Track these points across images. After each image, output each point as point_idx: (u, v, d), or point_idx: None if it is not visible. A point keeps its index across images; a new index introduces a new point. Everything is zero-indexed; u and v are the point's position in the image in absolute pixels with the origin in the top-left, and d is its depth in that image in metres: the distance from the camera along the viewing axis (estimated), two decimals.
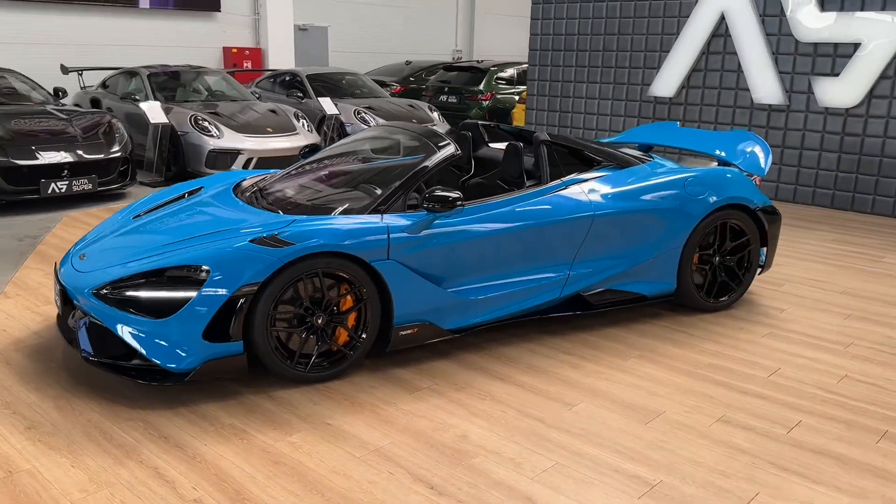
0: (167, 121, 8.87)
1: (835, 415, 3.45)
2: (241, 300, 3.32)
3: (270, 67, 13.42)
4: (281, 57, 15.38)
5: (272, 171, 4.90)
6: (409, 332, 3.78)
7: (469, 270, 3.95)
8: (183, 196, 4.50)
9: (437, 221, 3.81)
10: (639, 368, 3.92)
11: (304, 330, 3.53)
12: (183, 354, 3.32)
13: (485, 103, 13.68)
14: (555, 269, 4.21)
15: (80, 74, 11.11)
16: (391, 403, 3.45)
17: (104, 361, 3.41)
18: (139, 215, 4.30)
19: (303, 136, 9.35)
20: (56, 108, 8.41)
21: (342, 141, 5.01)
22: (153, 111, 8.80)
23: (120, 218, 4.37)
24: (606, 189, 4.36)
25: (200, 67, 10.94)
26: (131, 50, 13.40)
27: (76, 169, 7.39)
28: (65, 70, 11.04)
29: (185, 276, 3.36)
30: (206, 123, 8.91)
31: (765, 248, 4.86)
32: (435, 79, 14.59)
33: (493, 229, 3.97)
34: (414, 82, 15.29)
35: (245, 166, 8.82)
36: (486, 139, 5.24)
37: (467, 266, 3.94)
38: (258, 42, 15.43)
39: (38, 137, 7.36)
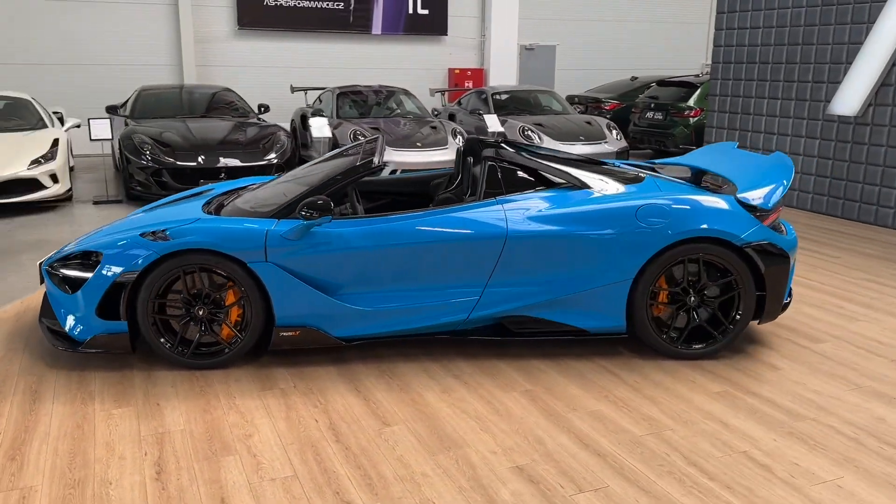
0: (329, 135, 9.86)
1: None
2: (125, 285, 3.82)
3: (491, 86, 13.95)
4: (502, 76, 15.91)
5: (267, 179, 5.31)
6: (290, 334, 3.96)
7: (361, 281, 4.00)
8: (195, 195, 5.15)
9: (319, 229, 3.94)
10: (505, 402, 3.63)
11: (184, 319, 3.92)
12: (82, 326, 3.91)
13: (692, 120, 12.77)
14: (463, 290, 4.05)
15: (306, 93, 12.75)
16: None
17: (43, 322, 4.14)
18: (153, 207, 5.03)
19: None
20: (243, 120, 9.87)
21: (319, 158, 5.19)
22: (318, 126, 9.83)
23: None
24: (533, 211, 4.06)
25: (389, 87, 11.88)
26: (363, 72, 14.93)
27: (233, 172, 8.62)
28: (293, 89, 12.77)
29: (90, 260, 3.96)
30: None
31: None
32: (645, 95, 13.97)
33: (386, 243, 3.96)
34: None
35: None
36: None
37: (359, 276, 3.99)
38: (482, 63, 16.13)
39: (206, 145, 8.72)
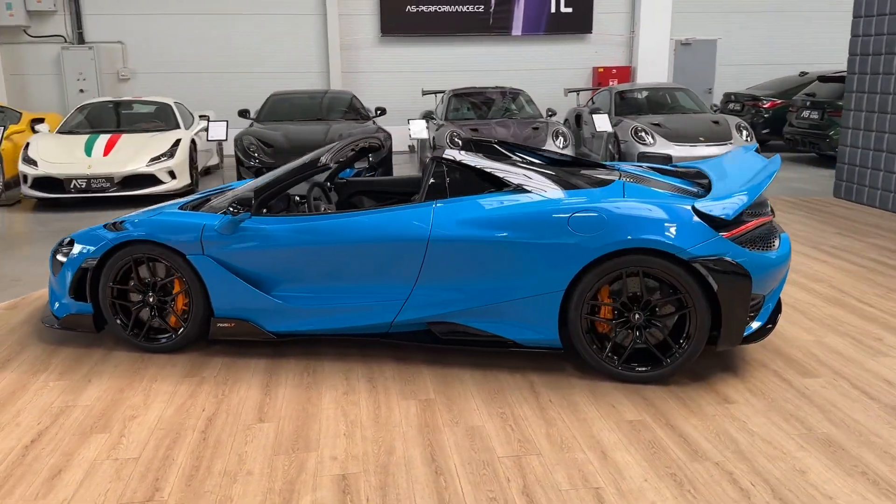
0: (426, 136, 10.00)
1: None
2: (88, 271, 4.21)
3: (619, 85, 13.34)
4: (652, 73, 15.12)
5: None
6: (226, 325, 4.13)
7: (290, 277, 4.07)
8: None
9: (248, 225, 4.06)
10: (394, 409, 3.51)
11: (139, 304, 4.23)
12: (59, 305, 4.37)
13: None
14: (389, 292, 3.97)
15: (436, 95, 13.04)
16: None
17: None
18: None
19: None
20: (354, 122, 10.31)
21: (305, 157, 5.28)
22: (418, 129, 10.00)
23: None
24: (462, 215, 3.87)
25: (506, 88, 11.78)
26: (504, 74, 14.92)
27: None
28: (424, 93, 13.13)
29: (68, 247, 4.40)
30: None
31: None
32: (802, 92, 12.58)
33: (310, 241, 4.00)
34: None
35: None
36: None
37: (288, 273, 4.06)
38: (630, 60, 15.43)
39: (305, 146, 9.22)
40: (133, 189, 8.97)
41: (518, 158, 4.75)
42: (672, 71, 15.66)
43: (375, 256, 3.94)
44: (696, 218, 3.65)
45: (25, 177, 8.85)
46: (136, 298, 4.25)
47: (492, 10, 14.75)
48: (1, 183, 9.73)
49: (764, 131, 13.66)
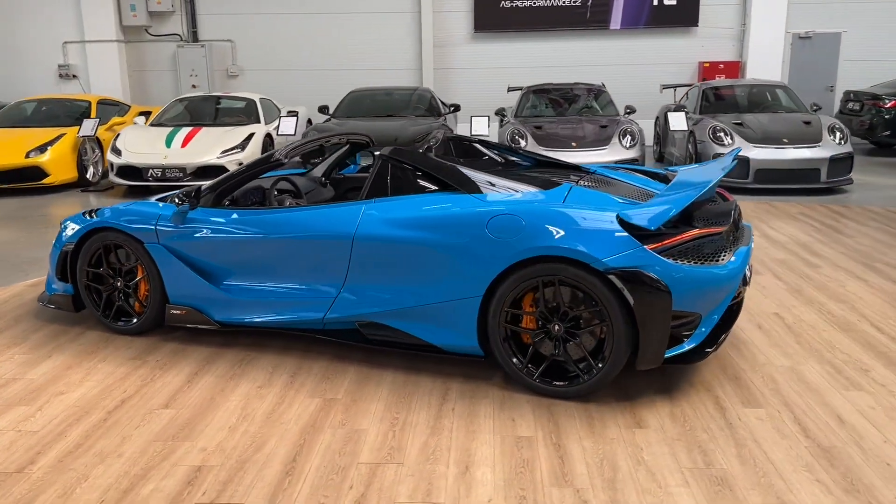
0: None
1: None
2: (68, 253, 4.53)
3: (709, 81, 12.49)
4: (765, 69, 14.10)
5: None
6: (178, 312, 4.30)
7: (232, 269, 4.17)
8: None
9: (193, 216, 4.20)
10: (294, 405, 3.52)
11: (108, 288, 4.49)
12: (49, 283, 4.73)
13: None
14: (321, 288, 3.99)
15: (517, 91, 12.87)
16: None
17: None
18: None
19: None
20: (425, 119, 10.38)
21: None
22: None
23: None
24: (389, 214, 3.81)
25: (584, 84, 11.40)
26: (601, 69, 14.45)
27: None
28: (509, 89, 12.98)
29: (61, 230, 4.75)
30: (721, 134, 9.40)
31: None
32: None
33: (247, 235, 4.08)
34: None
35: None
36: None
37: (230, 264, 4.17)
38: (740, 55, 14.46)
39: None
40: (206, 179, 9.50)
41: (490, 159, 4.66)
42: (787, 67, 14.52)
43: (308, 253, 3.96)
44: (619, 227, 3.39)
45: (112, 165, 9.62)
46: (108, 282, 4.51)
47: (589, 3, 14.31)
48: (100, 170, 10.64)
49: (884, 133, 12.39)
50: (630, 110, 10.76)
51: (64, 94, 12.04)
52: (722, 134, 9.45)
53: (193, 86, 14.95)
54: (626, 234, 3.36)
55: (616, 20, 14.40)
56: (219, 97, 11.46)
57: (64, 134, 10.17)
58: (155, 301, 4.35)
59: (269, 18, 14.85)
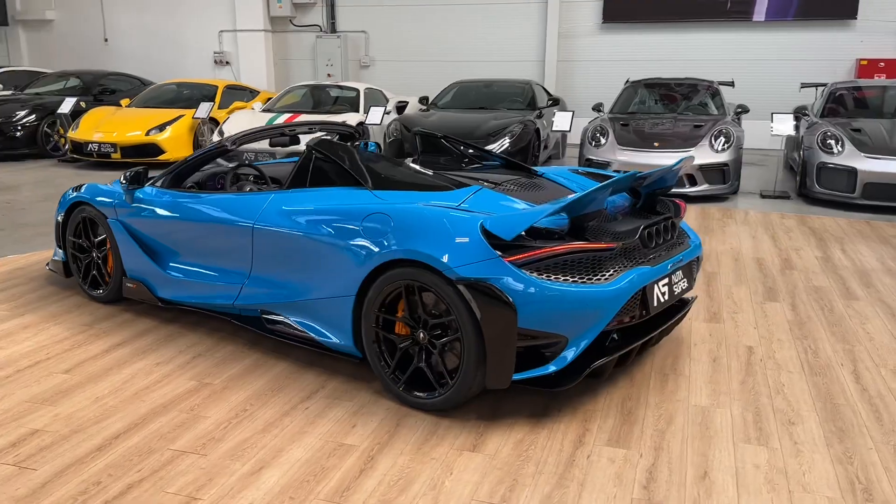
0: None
1: None
2: (60, 225, 4.97)
3: (887, 81, 10.96)
4: None
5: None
6: (131, 285, 4.57)
7: (171, 249, 4.36)
8: None
9: (140, 196, 4.44)
10: (173, 385, 3.63)
11: (87, 258, 4.86)
12: (57, 250, 5.21)
13: None
14: (232, 275, 4.07)
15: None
16: None
17: None
18: None
19: (696, 155, 8.31)
20: (517, 112, 10.18)
21: None
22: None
23: None
24: (287, 206, 3.80)
25: (696, 80, 10.56)
26: (740, 65, 13.31)
27: None
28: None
29: None
30: (831, 141, 8.35)
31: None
32: None
33: (180, 217, 4.26)
34: None
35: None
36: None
37: (168, 244, 4.37)
38: None
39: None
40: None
41: (454, 157, 4.58)
42: None
43: (221, 238, 4.06)
44: (481, 235, 3.14)
45: None
46: (87, 252, 4.89)
47: None
48: None
49: None
50: (742, 110, 9.82)
51: (199, 79, 13.10)
52: (832, 141, 8.36)
53: (329, 74, 15.67)
54: (484, 242, 3.11)
55: (760, 12, 13.17)
56: (328, 86, 11.92)
57: (183, 115, 11.09)
58: (117, 273, 4.66)
59: (401, 10, 15.18)
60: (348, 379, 3.69)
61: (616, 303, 3.16)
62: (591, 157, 8.87)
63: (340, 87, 11.81)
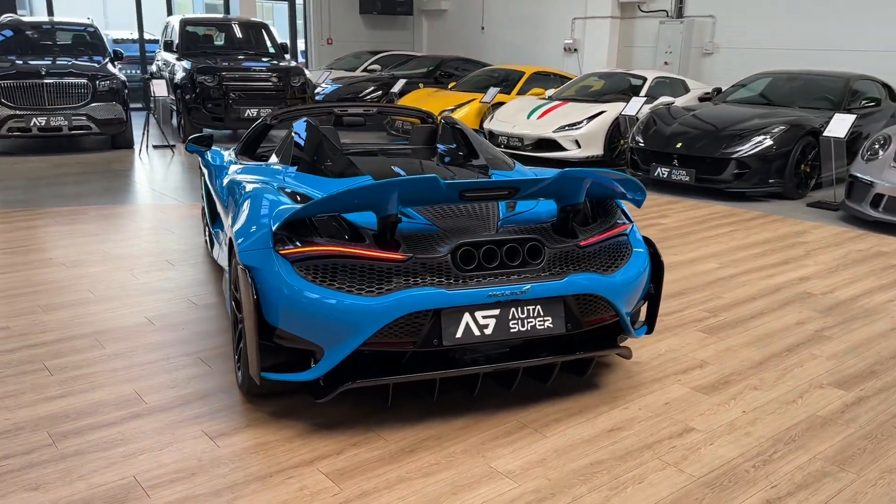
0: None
1: None
2: None
3: None
4: None
5: None
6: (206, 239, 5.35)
7: (214, 210, 4.96)
8: None
9: (206, 159, 5.15)
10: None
11: None
12: None
13: None
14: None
15: None
16: None
17: None
18: None
19: None
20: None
21: None
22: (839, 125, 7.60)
23: None
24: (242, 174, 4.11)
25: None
26: None
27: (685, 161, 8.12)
28: None
29: None
30: (877, 145, 6.99)
31: None
32: None
33: (214, 180, 4.82)
34: None
35: None
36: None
37: (212, 205, 4.99)
38: None
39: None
40: (542, 151, 9.94)
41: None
42: None
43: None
44: (271, 222, 3.07)
45: (483, 130, 10.84)
46: None
47: None
48: None
49: None
50: None
51: (510, 65, 13.63)
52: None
53: (665, 63, 14.84)
54: (269, 231, 3.03)
55: None
56: (620, 74, 11.43)
57: (473, 99, 11.80)
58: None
59: None
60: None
61: (377, 320, 2.80)
62: (856, 173, 7.05)
63: (631, 76, 11.23)
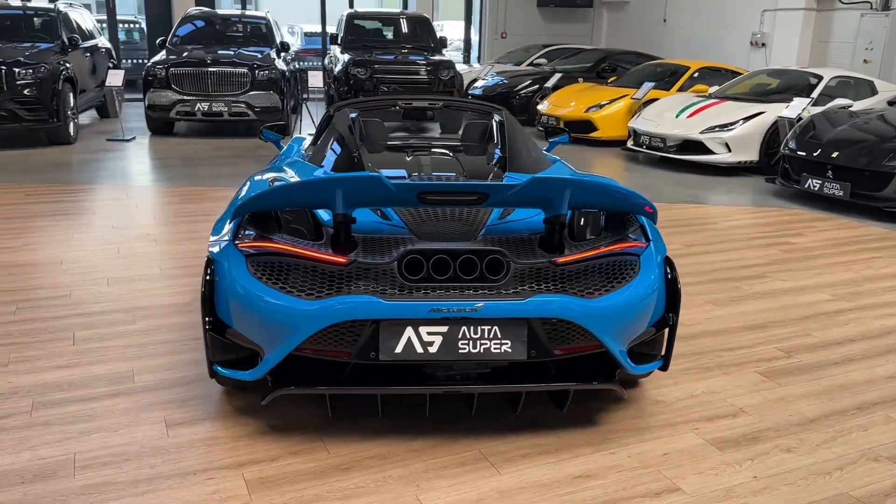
0: None
1: None
2: None
3: None
4: None
5: None
6: None
7: None
8: None
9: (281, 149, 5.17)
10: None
11: None
12: None
13: None
14: None
15: None
16: None
17: None
18: None
19: None
20: None
21: None
22: None
23: None
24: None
25: None
26: None
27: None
28: None
29: None
30: None
31: None
32: None
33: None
34: None
35: None
36: None
37: None
38: None
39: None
40: (687, 154, 9.13)
41: None
42: None
43: None
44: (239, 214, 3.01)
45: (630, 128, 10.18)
46: None
47: None
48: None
49: None
50: None
51: (676, 60, 12.64)
52: None
53: (865, 61, 13.09)
54: (235, 222, 2.97)
55: None
56: (795, 71, 10.20)
57: (625, 95, 11.11)
58: None
59: None
60: None
61: (309, 325, 2.64)
62: None
63: (810, 74, 9.98)
